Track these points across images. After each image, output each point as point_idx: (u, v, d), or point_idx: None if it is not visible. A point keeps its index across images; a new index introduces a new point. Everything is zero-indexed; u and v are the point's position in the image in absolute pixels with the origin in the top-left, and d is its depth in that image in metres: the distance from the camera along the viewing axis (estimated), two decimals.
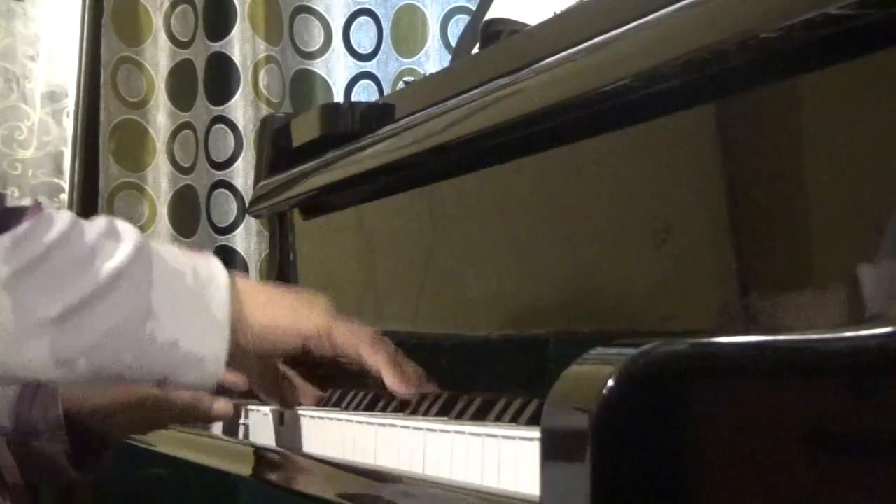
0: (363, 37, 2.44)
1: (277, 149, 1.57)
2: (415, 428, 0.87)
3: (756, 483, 0.60)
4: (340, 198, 1.39)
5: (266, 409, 1.19)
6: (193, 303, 0.99)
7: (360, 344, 1.05)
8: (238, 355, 1.01)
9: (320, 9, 2.44)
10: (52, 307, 0.94)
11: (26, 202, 0.96)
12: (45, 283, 0.94)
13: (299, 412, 1.12)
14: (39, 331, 0.94)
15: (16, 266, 0.93)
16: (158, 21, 2.40)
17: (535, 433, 0.63)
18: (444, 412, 1.04)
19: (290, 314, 1.04)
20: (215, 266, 1.01)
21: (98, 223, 0.98)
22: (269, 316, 1.03)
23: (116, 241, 0.97)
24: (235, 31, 2.33)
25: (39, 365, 0.95)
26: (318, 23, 2.44)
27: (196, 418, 1.23)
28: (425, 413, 1.07)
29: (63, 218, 0.97)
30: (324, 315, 1.05)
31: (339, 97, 2.41)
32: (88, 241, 0.96)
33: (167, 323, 0.97)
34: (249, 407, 1.25)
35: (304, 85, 2.42)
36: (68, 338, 0.95)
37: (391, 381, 1.04)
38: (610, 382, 0.58)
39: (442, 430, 0.83)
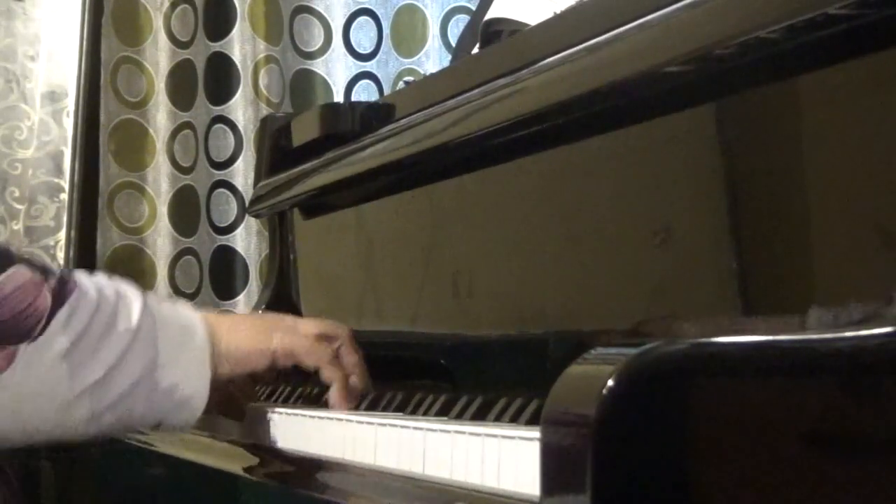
0: (363, 37, 2.44)
1: (277, 149, 1.57)
2: (415, 428, 0.87)
3: (756, 482, 0.60)
4: (340, 198, 1.39)
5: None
6: (184, 347, 1.07)
7: (319, 362, 1.15)
8: (215, 385, 1.10)
9: (320, 9, 2.44)
10: (97, 370, 1.02)
11: (56, 269, 1.04)
12: (91, 350, 1.02)
13: (300, 412, 1.12)
14: (86, 393, 1.02)
15: (72, 336, 1.01)
16: (158, 21, 2.40)
17: (535, 433, 0.63)
18: (444, 412, 1.04)
19: (255, 337, 1.13)
20: (189, 309, 1.11)
21: (105, 283, 1.06)
22: (239, 343, 1.12)
23: (126, 300, 1.06)
24: (235, 31, 2.33)
25: (78, 423, 1.03)
26: (318, 23, 2.44)
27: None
28: (425, 413, 1.07)
29: (87, 282, 1.05)
30: (288, 335, 1.14)
31: (339, 97, 2.42)
32: (110, 303, 1.04)
33: (169, 370, 1.05)
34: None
35: (304, 85, 2.42)
36: (103, 396, 1.03)
37: (334, 398, 1.15)
38: (610, 382, 0.58)
39: (442, 430, 0.83)
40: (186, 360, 1.07)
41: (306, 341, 1.14)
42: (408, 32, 2.43)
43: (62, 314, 1.00)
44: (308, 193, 1.44)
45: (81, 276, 1.05)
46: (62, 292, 1.01)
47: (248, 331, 1.13)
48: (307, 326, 1.17)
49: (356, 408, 1.18)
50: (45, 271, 1.02)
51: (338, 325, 1.19)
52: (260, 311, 1.55)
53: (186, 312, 1.10)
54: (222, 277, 2.35)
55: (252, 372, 1.15)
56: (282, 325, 1.16)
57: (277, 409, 1.17)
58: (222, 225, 2.35)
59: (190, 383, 1.07)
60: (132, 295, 1.07)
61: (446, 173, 1.16)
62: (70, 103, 2.38)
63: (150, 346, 1.04)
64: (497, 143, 1.05)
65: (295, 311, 1.52)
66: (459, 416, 1.02)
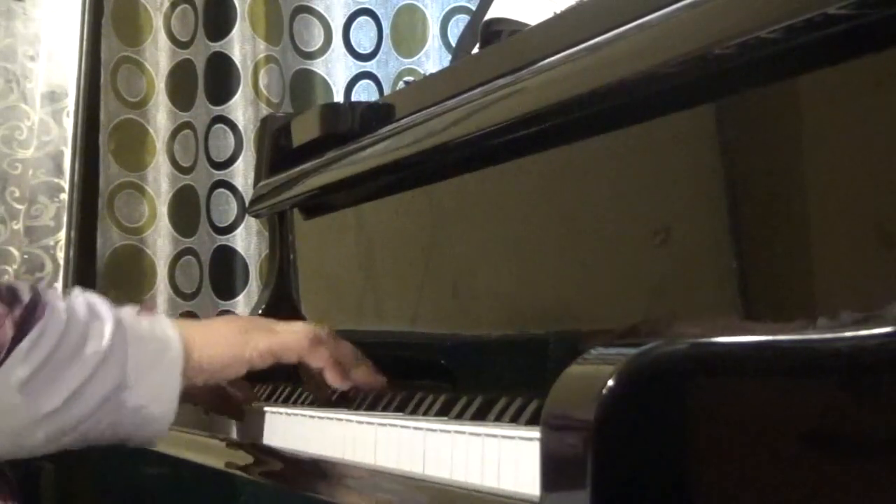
0: (363, 37, 2.44)
1: (277, 149, 1.57)
2: (415, 428, 0.87)
3: (756, 482, 0.60)
4: (340, 198, 1.39)
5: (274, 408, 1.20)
6: (155, 367, 1.07)
7: (300, 351, 1.14)
8: (190, 394, 1.10)
9: (320, 9, 2.44)
10: (55, 399, 1.02)
11: (26, 294, 1.02)
12: (51, 379, 1.01)
13: (300, 412, 1.12)
14: (42, 420, 1.02)
15: (32, 366, 1.00)
16: (158, 21, 2.40)
17: (535, 433, 0.63)
18: (444, 412, 1.04)
19: (231, 345, 1.12)
20: (166, 324, 1.10)
21: (79, 302, 1.05)
22: (213, 354, 1.11)
23: (99, 321, 1.05)
24: (235, 31, 2.33)
25: (36, 446, 1.03)
26: (318, 23, 2.44)
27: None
28: (425, 413, 1.07)
29: (59, 306, 1.04)
30: (262, 336, 1.13)
31: (339, 97, 2.42)
32: (80, 327, 1.03)
33: (136, 391, 1.05)
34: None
35: (304, 85, 2.42)
36: (62, 420, 1.02)
37: (330, 377, 1.14)
38: (610, 382, 0.58)
39: (442, 430, 0.83)
40: (156, 381, 1.06)
41: (284, 338, 1.14)
42: (408, 32, 2.43)
43: (24, 344, 1.00)
44: (308, 193, 1.44)
45: (54, 298, 1.04)
46: (28, 321, 1.01)
47: (224, 340, 1.12)
48: (285, 326, 1.16)
49: (358, 407, 1.18)
50: (12, 300, 1.01)
51: (317, 326, 1.18)
52: (259, 312, 1.55)
53: (162, 328, 1.09)
54: (222, 277, 2.35)
55: (227, 379, 1.15)
56: (258, 327, 1.15)
57: (277, 409, 1.17)
58: (222, 225, 2.35)
59: (157, 403, 1.06)
60: (105, 314, 1.06)
61: (446, 173, 1.16)
62: (70, 103, 2.38)
63: (119, 368, 1.04)
64: (497, 143, 1.05)
65: (295, 311, 1.52)
66: (459, 416, 1.02)
